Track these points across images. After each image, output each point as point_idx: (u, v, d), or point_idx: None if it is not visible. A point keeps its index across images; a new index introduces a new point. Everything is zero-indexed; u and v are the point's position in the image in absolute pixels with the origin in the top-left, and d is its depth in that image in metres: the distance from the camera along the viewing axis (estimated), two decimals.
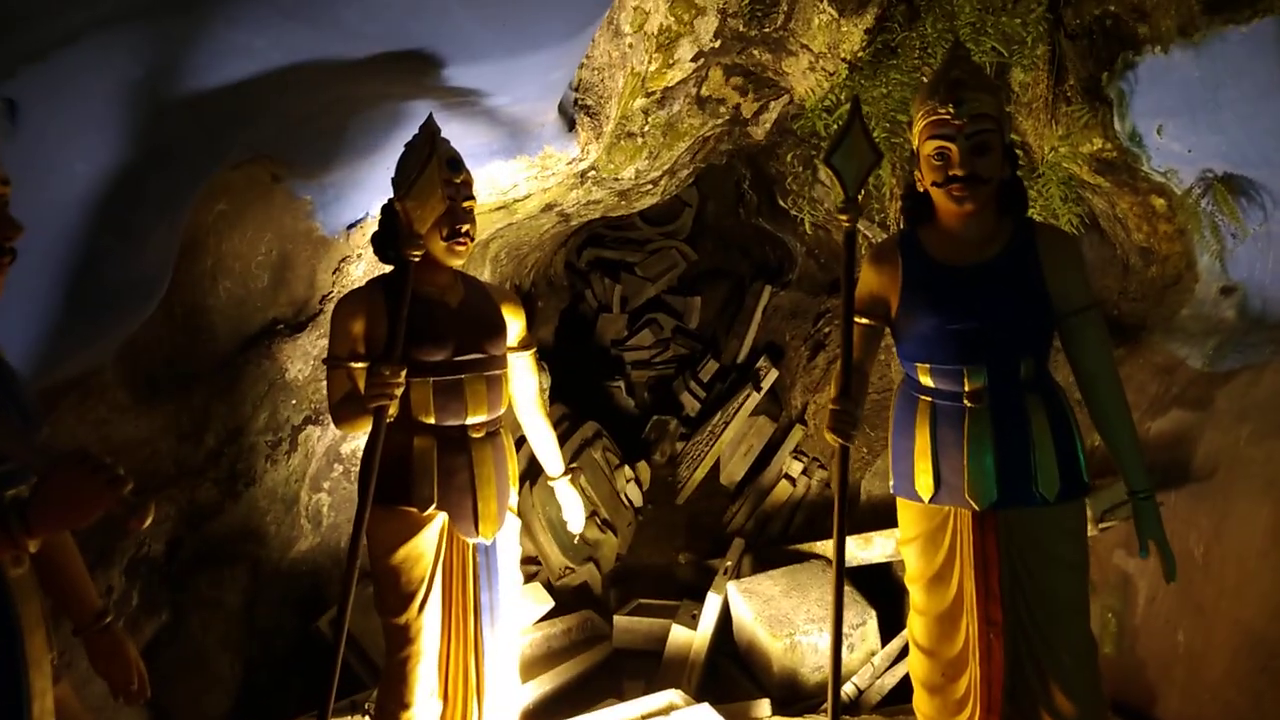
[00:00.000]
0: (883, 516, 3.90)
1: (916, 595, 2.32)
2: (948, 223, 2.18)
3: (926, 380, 2.22)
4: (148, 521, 1.26)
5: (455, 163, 2.30)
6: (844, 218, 2.14)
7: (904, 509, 2.33)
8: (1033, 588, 2.15)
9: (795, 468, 5.25)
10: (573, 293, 9.27)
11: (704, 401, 7.58)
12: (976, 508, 2.15)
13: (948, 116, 2.04)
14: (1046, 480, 2.12)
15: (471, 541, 2.39)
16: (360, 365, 2.28)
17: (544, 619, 3.98)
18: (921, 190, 2.20)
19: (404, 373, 2.15)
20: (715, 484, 6.34)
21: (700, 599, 4.07)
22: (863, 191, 2.15)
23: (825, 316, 6.01)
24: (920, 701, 2.35)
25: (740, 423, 6.29)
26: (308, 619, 3.77)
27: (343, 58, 2.20)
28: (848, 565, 3.91)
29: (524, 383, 2.65)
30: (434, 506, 2.32)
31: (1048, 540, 2.14)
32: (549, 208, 4.53)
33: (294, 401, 3.64)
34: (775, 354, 6.74)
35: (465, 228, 2.30)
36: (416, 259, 2.20)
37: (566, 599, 4.64)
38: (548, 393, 5.54)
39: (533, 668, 3.68)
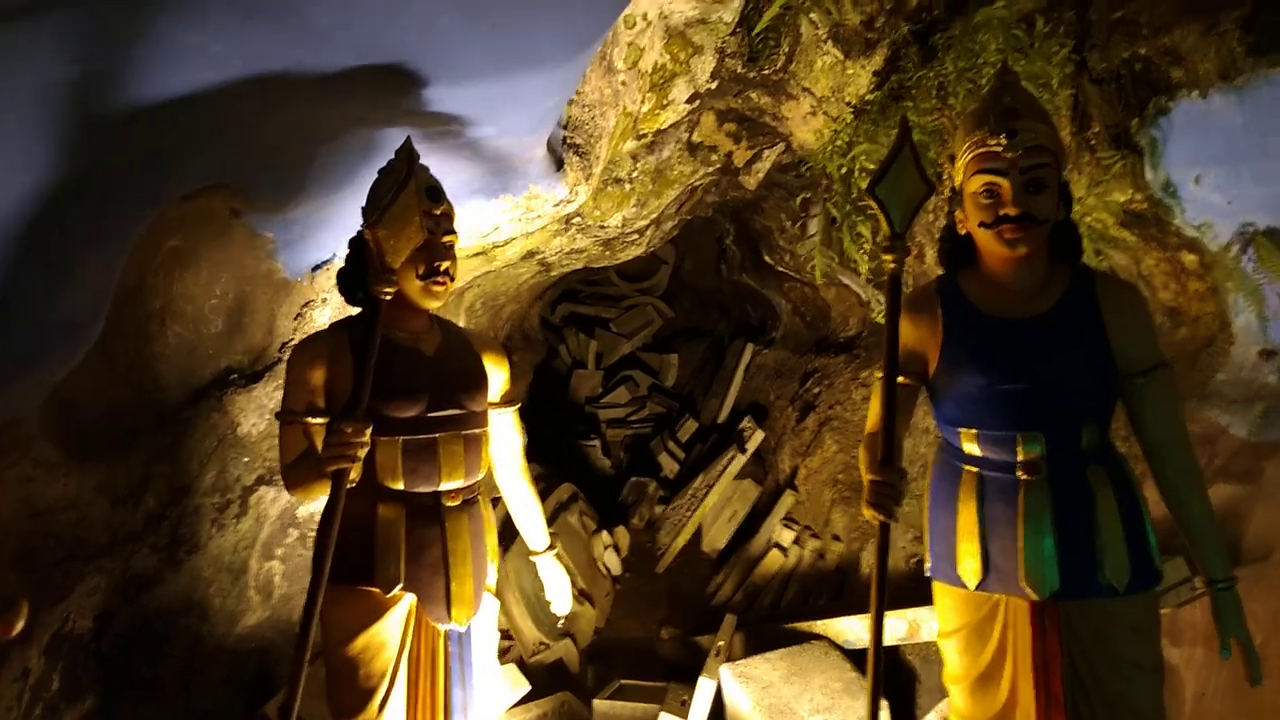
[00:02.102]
0: (890, 595, 3.59)
1: (959, 699, 2.02)
2: (994, 269, 1.93)
3: (972, 448, 1.94)
4: (17, 628, 0.95)
5: (435, 191, 2.03)
6: (889, 257, 1.87)
7: (943, 596, 2.03)
8: (1099, 695, 1.85)
9: (786, 536, 4.94)
10: (547, 348, 9.03)
11: (683, 463, 7.29)
12: (1035, 597, 1.87)
13: (998, 149, 1.80)
14: (1115, 567, 1.84)
15: (443, 628, 2.07)
16: (319, 421, 1.97)
17: (518, 704, 3.62)
18: (963, 233, 1.95)
19: (369, 431, 1.84)
20: (697, 551, 6.01)
21: (685, 678, 3.73)
22: (911, 226, 1.88)
23: (813, 376, 5.76)
24: None
25: (724, 486, 5.98)
26: (254, 703, 3.39)
27: (311, 69, 1.92)
28: (850, 647, 3.60)
29: (506, 443, 2.35)
30: (400, 587, 2.01)
31: (1117, 639, 1.86)
32: (530, 255, 4.26)
33: (246, 459, 3.30)
34: (759, 414, 6.47)
35: (445, 265, 2.02)
36: (388, 297, 1.90)
37: (541, 677, 4.27)
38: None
39: None
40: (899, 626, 3.35)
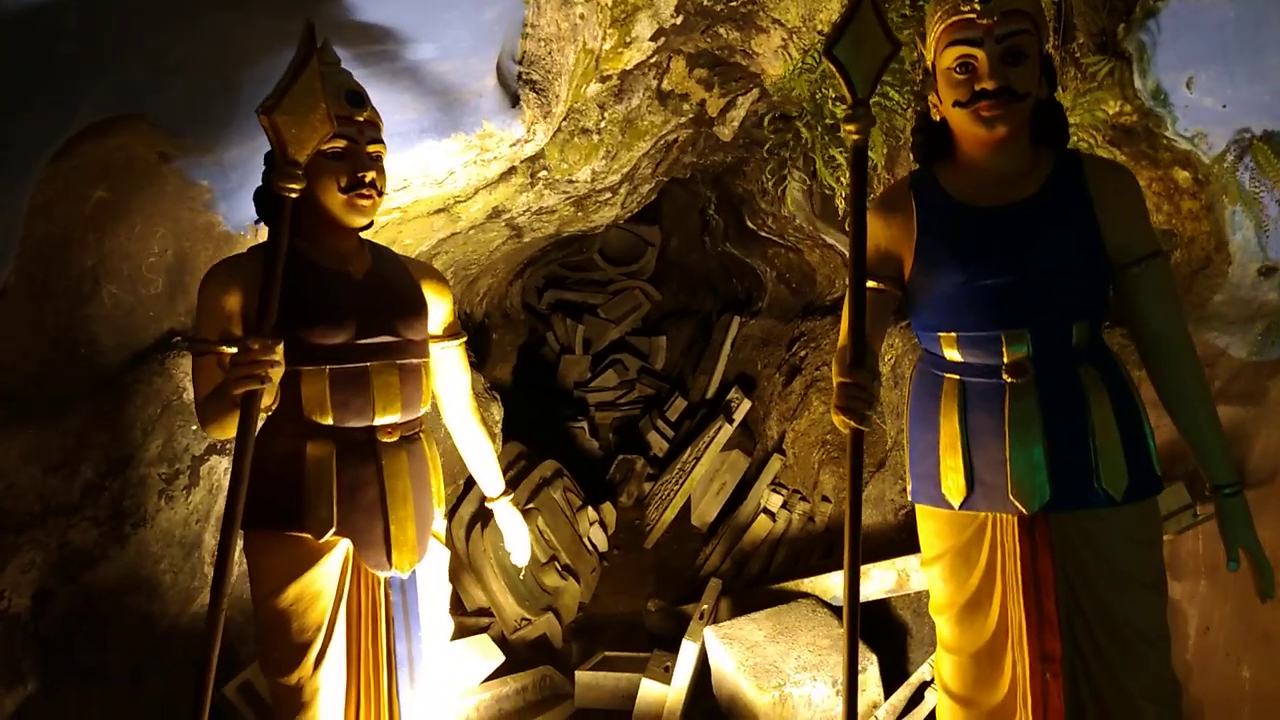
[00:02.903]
0: (878, 547, 3.43)
1: (946, 629, 1.84)
2: (973, 155, 1.76)
3: (953, 354, 1.77)
4: None
5: (357, 96, 1.85)
6: (851, 127, 1.67)
7: (927, 520, 1.87)
8: (1098, 613, 1.69)
9: (774, 501, 4.77)
10: (531, 332, 8.89)
11: (672, 441, 7.14)
12: (1024, 511, 1.70)
13: (973, 16, 1.63)
14: (1111, 474, 1.68)
15: (383, 576, 1.90)
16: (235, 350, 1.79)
17: (493, 677, 3.44)
18: (938, 119, 1.77)
19: (279, 348, 1.65)
20: (686, 526, 5.84)
21: (673, 650, 3.56)
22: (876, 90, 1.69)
23: (800, 340, 5.59)
24: None
25: (712, 458, 5.81)
26: (215, 684, 3.20)
27: None
28: (838, 604, 3.43)
29: (452, 381, 2.18)
30: (333, 532, 1.83)
31: (1115, 551, 1.69)
32: (497, 214, 4.09)
33: (194, 427, 3.11)
34: (747, 385, 6.31)
35: (370, 176, 1.83)
36: (293, 194, 1.72)
37: (523, 654, 4.11)
38: (500, 426, 5.05)
39: None
40: (887, 578, 3.19)
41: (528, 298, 9.08)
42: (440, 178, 3.10)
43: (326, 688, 1.82)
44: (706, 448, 5.87)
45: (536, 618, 4.27)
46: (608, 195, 4.64)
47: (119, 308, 2.81)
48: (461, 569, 4.39)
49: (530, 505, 4.88)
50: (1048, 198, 1.71)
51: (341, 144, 1.80)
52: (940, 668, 1.88)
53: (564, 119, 3.65)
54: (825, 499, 4.41)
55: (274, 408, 1.78)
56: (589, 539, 5.39)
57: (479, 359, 6.40)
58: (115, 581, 2.91)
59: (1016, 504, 1.70)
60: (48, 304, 2.60)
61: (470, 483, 4.70)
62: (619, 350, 8.99)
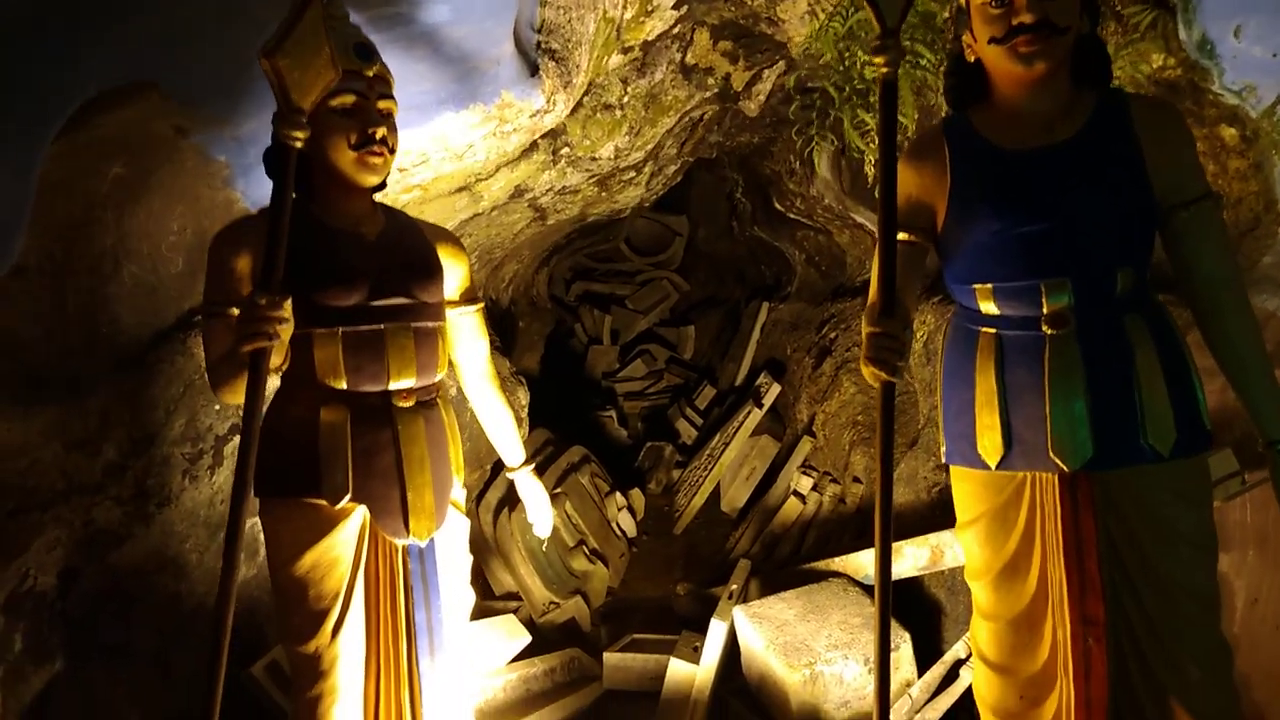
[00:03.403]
0: (911, 526, 3.35)
1: (982, 595, 1.77)
2: (1010, 96, 1.68)
3: (989, 306, 1.70)
4: None
5: (366, 50, 1.80)
6: (880, 59, 1.59)
7: (962, 482, 1.79)
8: (1145, 575, 1.61)
9: (805, 484, 4.69)
10: (559, 322, 8.86)
11: (701, 429, 7.08)
12: (1065, 469, 1.62)
13: None
14: (1158, 429, 1.59)
15: (400, 544, 1.85)
16: None
17: (521, 657, 3.40)
18: (972, 59, 1.70)
19: (287, 303, 1.61)
20: (716, 512, 5.78)
21: (702, 632, 3.50)
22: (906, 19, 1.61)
23: (829, 322, 5.50)
24: None
25: (741, 443, 5.74)
26: (240, 663, 3.19)
27: None
28: (870, 582, 3.34)
29: (470, 347, 2.13)
30: (349, 498, 1.79)
31: (1162, 510, 1.61)
32: (519, 194, 4.04)
33: (217, 407, 3.09)
34: (776, 370, 6.22)
35: (380, 133, 1.78)
36: (298, 144, 1.67)
37: (551, 638, 4.07)
38: (526, 410, 5.00)
39: (507, 714, 3.10)
40: (921, 554, 3.10)
41: (555, 289, 9.06)
42: (459, 151, 3.06)
43: (345, 656, 1.79)
44: (736, 433, 5.80)
45: (565, 601, 4.23)
46: (632, 174, 4.57)
47: (140, 287, 2.79)
48: (489, 553, 4.36)
49: (558, 490, 4.84)
50: (1090, 139, 1.63)
51: (350, 99, 1.75)
52: (977, 635, 1.80)
53: (586, 94, 3.59)
54: (857, 480, 4.33)
55: (284, 368, 1.74)
56: (617, 524, 5.35)
57: (505, 347, 6.36)
58: (141, 561, 2.90)
59: (1057, 461, 1.62)
60: (69, 283, 2.58)
61: (497, 468, 4.67)
62: (647, 341, 8.95)
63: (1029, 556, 1.68)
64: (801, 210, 5.80)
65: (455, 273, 2.04)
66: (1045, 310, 1.63)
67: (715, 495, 5.86)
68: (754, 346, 7.05)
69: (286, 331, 1.63)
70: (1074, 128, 1.64)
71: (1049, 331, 1.63)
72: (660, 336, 9.09)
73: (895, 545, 3.16)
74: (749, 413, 5.83)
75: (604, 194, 4.66)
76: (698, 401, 7.47)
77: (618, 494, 5.55)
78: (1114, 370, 1.61)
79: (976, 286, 1.71)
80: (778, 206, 6.06)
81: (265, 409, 1.92)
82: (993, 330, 1.70)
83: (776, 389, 5.87)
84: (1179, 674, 1.60)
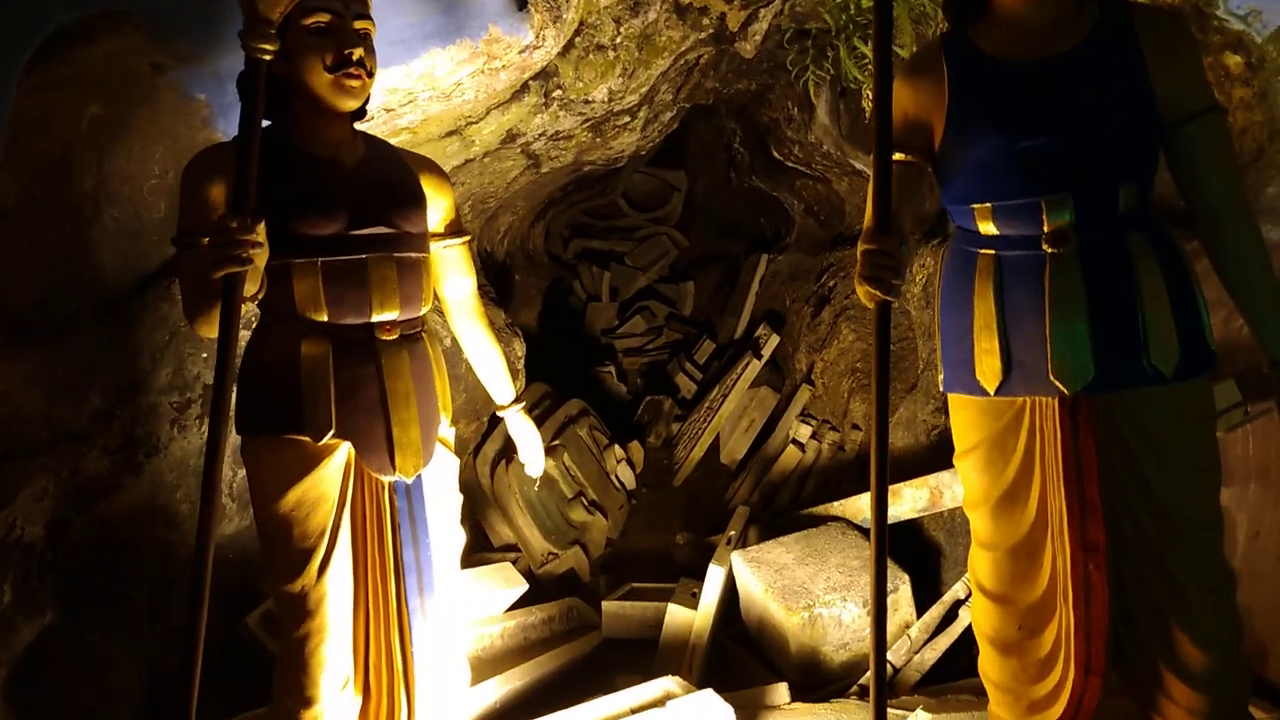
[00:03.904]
0: (909, 469, 3.32)
1: (981, 524, 1.73)
2: (1009, 6, 1.61)
3: (988, 227, 1.64)
4: None
5: None
6: None
7: (960, 410, 1.75)
8: (1145, 499, 1.57)
9: (804, 432, 4.66)
10: (557, 279, 8.80)
11: (700, 383, 7.05)
12: (1066, 392, 1.58)
13: None
14: (1161, 349, 1.55)
15: (387, 480, 1.81)
16: None
17: (518, 606, 3.39)
18: None
19: (260, 226, 1.55)
20: (715, 464, 5.77)
21: (701, 579, 3.48)
22: None
23: (829, 271, 5.44)
24: (990, 665, 1.76)
25: (740, 395, 5.71)
26: (235, 615, 3.18)
27: None
28: (868, 527, 3.33)
29: (456, 281, 2.07)
30: (333, 434, 1.75)
31: (1166, 433, 1.56)
32: (511, 139, 3.96)
33: (205, 355, 3.05)
34: (776, 322, 6.17)
35: (357, 54, 1.71)
36: (266, 56, 1.60)
37: (550, 589, 4.06)
38: (523, 362, 4.96)
39: (505, 661, 3.09)
40: (920, 496, 3.08)
41: (553, 247, 8.98)
42: (447, 90, 2.98)
43: (332, 594, 1.75)
44: (734, 385, 5.76)
45: (563, 552, 4.21)
46: (626, 119, 4.49)
47: (122, 231, 2.74)
48: (487, 505, 4.34)
49: (556, 442, 4.81)
50: (1092, 50, 1.56)
51: (325, 18, 1.68)
52: (975, 566, 1.77)
53: (577, 34, 3.51)
54: (856, 427, 4.30)
55: (260, 296, 1.69)
56: (616, 476, 5.33)
57: (502, 301, 6.32)
58: (131, 511, 2.88)
59: (1057, 384, 1.58)
60: (50, 226, 2.53)
61: (495, 420, 4.64)
62: (646, 297, 8.90)
63: (1028, 483, 1.65)
64: (800, 158, 5.71)
65: (439, 203, 1.99)
66: (1046, 229, 1.58)
67: (714, 447, 5.84)
68: (753, 299, 6.99)
69: (261, 257, 1.57)
70: (1076, 39, 1.58)
71: (1049, 251, 1.58)
72: (659, 293, 9.03)
73: (894, 488, 3.14)
74: (748, 364, 5.79)
75: (598, 140, 4.58)
76: (697, 356, 7.43)
77: (616, 446, 5.53)
78: (1116, 290, 1.56)
79: (975, 206, 1.65)
80: (776, 155, 5.97)
81: (247, 344, 1.88)
82: (991, 252, 1.65)
83: (775, 340, 5.83)
84: (1180, 599, 1.57)
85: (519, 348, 4.92)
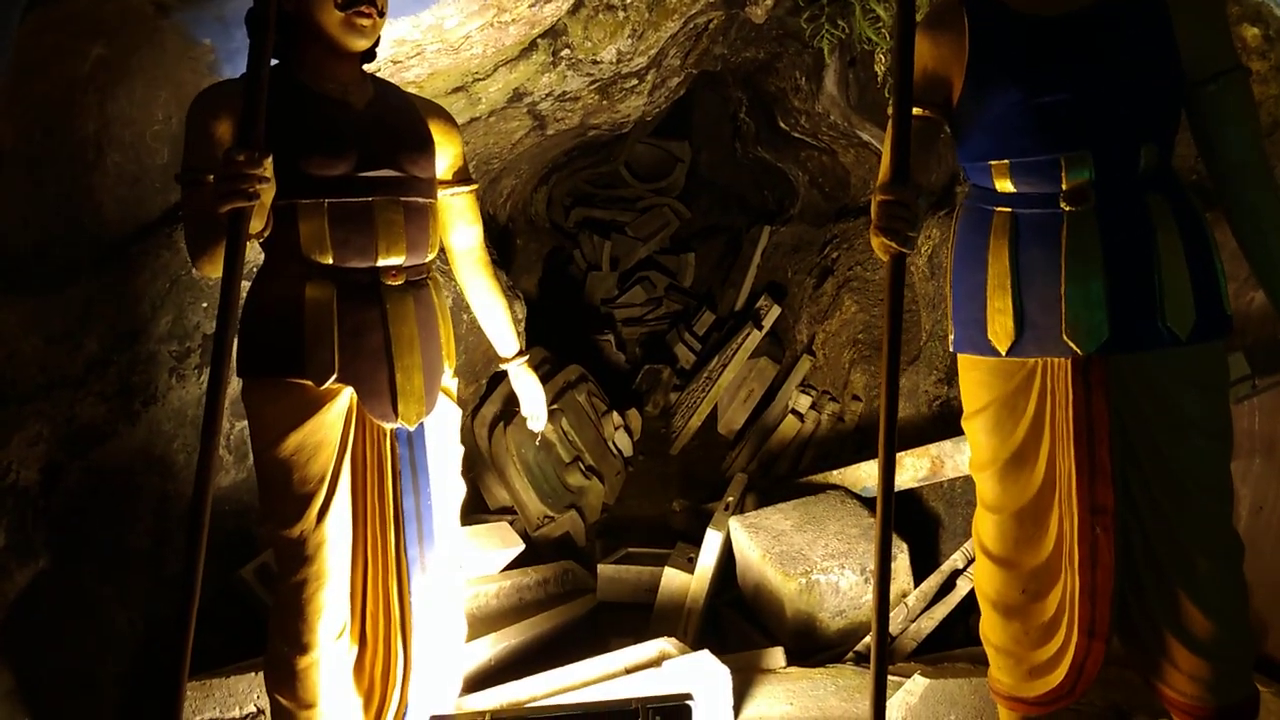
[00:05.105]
0: (911, 440, 3.31)
1: (987, 487, 1.72)
2: None
3: (1004, 184, 1.62)
4: None
5: None
6: None
7: (970, 370, 1.72)
8: (1155, 464, 1.55)
9: (803, 402, 4.65)
10: (558, 247, 8.75)
11: (699, 354, 7.03)
12: (1079, 352, 1.55)
13: None
14: (1177, 311, 1.52)
15: (389, 427, 1.79)
16: None
17: (513, 566, 3.38)
18: None
19: (268, 161, 1.52)
20: (713, 434, 5.76)
21: (698, 546, 3.48)
22: None
23: (832, 243, 5.41)
24: (992, 629, 1.75)
25: (739, 365, 5.69)
26: (230, 565, 3.17)
27: None
28: (869, 495, 3.32)
29: (462, 230, 2.05)
30: (335, 378, 1.73)
31: (1179, 397, 1.54)
32: (518, 98, 3.92)
33: (205, 305, 3.02)
34: (777, 293, 6.15)
35: None
36: None
37: (546, 552, 4.06)
38: (524, 325, 4.93)
39: (499, 620, 3.09)
40: (920, 465, 3.07)
41: (554, 215, 8.92)
42: (455, 43, 2.94)
43: (331, 540, 1.74)
44: (734, 355, 5.75)
45: (560, 516, 4.21)
46: (634, 82, 4.44)
47: (123, 177, 2.70)
48: (484, 468, 4.33)
49: (554, 407, 4.80)
50: (1116, 4, 1.53)
51: None
52: (980, 529, 1.75)
53: None
54: (856, 398, 4.29)
55: (265, 234, 1.66)
56: (614, 443, 5.32)
57: (504, 265, 6.29)
58: (127, 459, 2.86)
59: (1071, 344, 1.56)
60: (50, 170, 2.50)
61: (493, 382, 4.62)
62: (647, 268, 8.84)
63: (1037, 445, 1.63)
64: (806, 129, 5.67)
65: (448, 150, 1.96)
66: (1065, 186, 1.55)
67: (713, 417, 5.83)
68: (754, 271, 6.96)
69: (267, 193, 1.54)
70: None
71: (1067, 209, 1.55)
72: (660, 264, 8.98)
73: (896, 456, 3.12)
74: (748, 334, 5.77)
75: (605, 102, 4.53)
76: (696, 327, 7.41)
77: (614, 413, 5.52)
78: (1134, 250, 1.53)
79: (993, 163, 1.62)
80: (782, 125, 5.93)
81: (250, 286, 1.85)
82: (1008, 209, 1.62)
83: (776, 311, 5.81)
84: (1187, 565, 1.56)
85: (520, 310, 4.90)
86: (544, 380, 5.07)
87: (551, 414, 4.89)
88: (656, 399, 6.46)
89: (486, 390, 4.66)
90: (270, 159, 1.52)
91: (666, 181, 9.40)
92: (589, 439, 4.91)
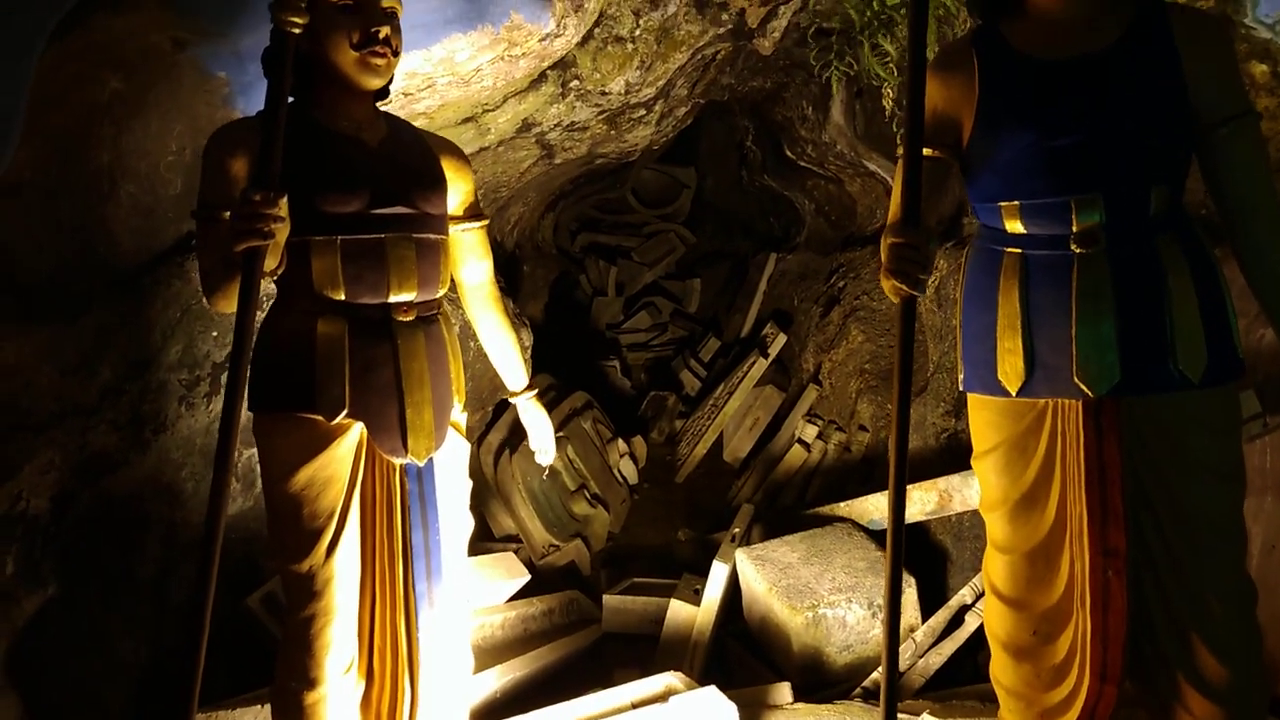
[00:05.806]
0: (919, 473, 3.30)
1: (998, 527, 1.72)
2: (1041, 3, 1.59)
3: (1015, 225, 1.62)
4: None
5: None
6: None
7: (980, 410, 1.73)
8: (1167, 506, 1.55)
9: (810, 432, 4.64)
10: (564, 272, 8.78)
11: (705, 380, 7.03)
12: (1090, 394, 1.56)
13: None
14: (1189, 354, 1.53)
15: (398, 463, 1.80)
16: None
17: (519, 596, 3.37)
18: None
19: (283, 201, 1.54)
20: (719, 462, 5.75)
21: (704, 576, 3.47)
22: None
23: (839, 271, 5.42)
24: (1002, 671, 1.74)
25: (745, 393, 5.69)
26: (236, 594, 3.17)
27: None
28: (876, 527, 3.32)
29: (473, 265, 2.06)
30: (346, 413, 1.73)
31: (1191, 440, 1.55)
32: (527, 128, 3.95)
33: (215, 334, 3.04)
34: (783, 321, 6.16)
35: (384, 32, 1.70)
36: (295, 29, 1.59)
37: (551, 581, 4.04)
38: (530, 353, 4.94)
39: (505, 651, 3.08)
40: (928, 499, 3.06)
41: (561, 240, 8.95)
42: (466, 76, 2.96)
43: (340, 576, 1.74)
44: (740, 382, 5.75)
45: (565, 544, 4.20)
46: (642, 112, 4.47)
47: (137, 208, 2.73)
48: (490, 495, 4.33)
49: (560, 434, 4.79)
50: (1127, 48, 1.54)
51: None
52: (990, 569, 1.75)
53: (596, 24, 3.50)
54: (863, 428, 4.28)
55: (279, 272, 1.68)
56: (619, 470, 5.32)
57: (511, 292, 6.31)
58: (137, 487, 2.87)
59: (1082, 386, 1.56)
60: (65, 200, 2.52)
61: (499, 410, 4.63)
62: (652, 293, 8.84)
63: (1048, 486, 1.63)
64: (813, 158, 5.70)
65: (459, 186, 1.97)
66: (1075, 228, 1.56)
67: (718, 445, 5.82)
68: (760, 298, 6.97)
69: (282, 232, 1.56)
70: (1111, 37, 1.56)
71: (1078, 251, 1.56)
72: (666, 289, 8.99)
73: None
74: (754, 362, 5.77)
75: (613, 132, 4.56)
76: (702, 354, 7.41)
77: (620, 441, 5.51)
78: (1145, 292, 1.54)
79: (1003, 205, 1.63)
80: (789, 154, 5.96)
81: (262, 321, 1.86)
82: (1018, 250, 1.63)
83: (782, 338, 5.81)
84: (1200, 608, 1.55)
85: (526, 338, 4.91)
86: (549, 407, 5.06)
87: (557, 441, 4.90)
88: (661, 426, 6.45)
89: (492, 417, 4.67)
90: (286, 198, 1.54)
91: (672, 207, 9.43)
92: (594, 467, 4.90)
